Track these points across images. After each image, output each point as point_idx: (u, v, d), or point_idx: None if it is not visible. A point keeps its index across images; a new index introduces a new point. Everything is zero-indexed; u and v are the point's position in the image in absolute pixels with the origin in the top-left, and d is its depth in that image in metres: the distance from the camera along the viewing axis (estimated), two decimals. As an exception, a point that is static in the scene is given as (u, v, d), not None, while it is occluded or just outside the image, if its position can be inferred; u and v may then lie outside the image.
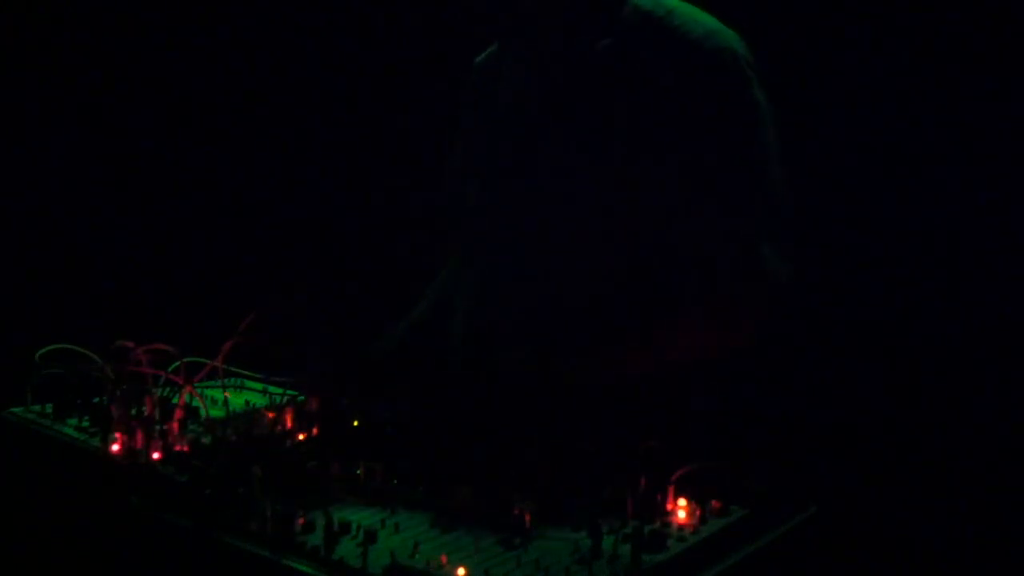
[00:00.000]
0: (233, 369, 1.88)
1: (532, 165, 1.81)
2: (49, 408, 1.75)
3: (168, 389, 1.72)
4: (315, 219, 2.81)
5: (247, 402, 1.83)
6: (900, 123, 2.11)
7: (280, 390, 1.81)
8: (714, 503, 1.31)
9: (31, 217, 2.57)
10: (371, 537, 1.21)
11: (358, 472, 1.39)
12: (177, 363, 1.72)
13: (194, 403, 1.68)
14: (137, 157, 2.77)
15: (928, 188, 2.03)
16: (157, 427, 1.59)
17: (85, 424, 1.69)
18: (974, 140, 2.03)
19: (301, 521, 1.24)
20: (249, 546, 1.22)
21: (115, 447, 1.55)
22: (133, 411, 1.64)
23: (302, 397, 1.67)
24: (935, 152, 2.04)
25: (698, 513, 1.29)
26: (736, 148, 1.68)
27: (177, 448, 1.55)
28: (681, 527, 1.27)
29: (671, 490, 1.30)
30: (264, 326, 1.73)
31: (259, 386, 1.92)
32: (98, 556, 1.46)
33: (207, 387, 1.84)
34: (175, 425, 1.62)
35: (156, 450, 1.54)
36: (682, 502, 1.30)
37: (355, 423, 1.65)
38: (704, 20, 1.73)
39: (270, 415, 1.66)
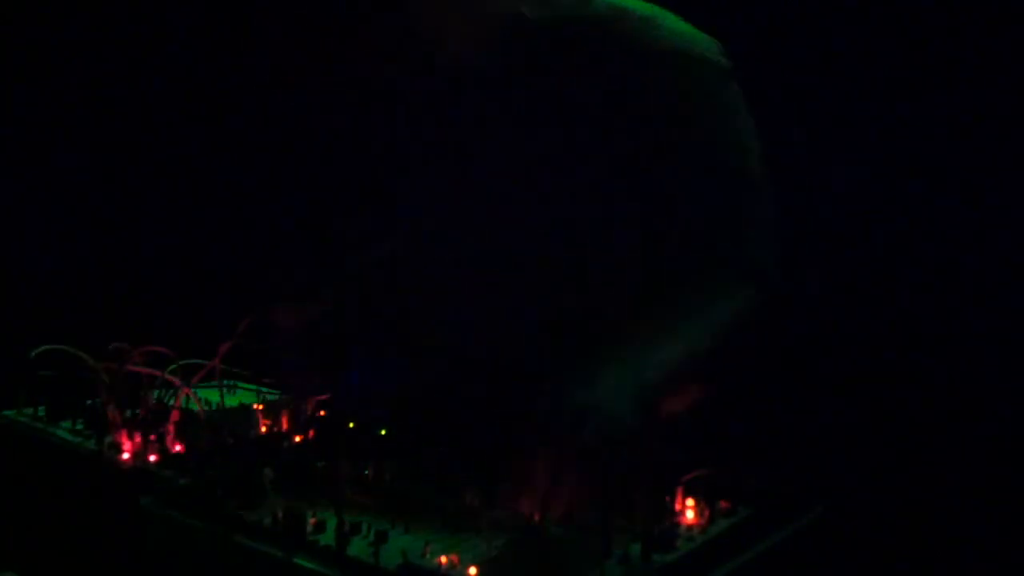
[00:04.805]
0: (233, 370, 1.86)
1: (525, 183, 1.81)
2: (42, 411, 1.73)
3: (165, 391, 1.70)
4: (313, 219, 2.80)
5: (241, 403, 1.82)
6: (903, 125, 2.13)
7: (275, 392, 1.80)
8: (722, 503, 1.32)
9: (25, 217, 2.54)
10: (382, 537, 1.21)
11: (366, 473, 1.39)
12: (174, 365, 1.70)
13: (191, 405, 1.66)
14: (133, 157, 2.75)
15: (925, 187, 2.05)
16: (153, 429, 1.58)
17: (79, 427, 1.67)
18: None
19: (313, 521, 1.23)
20: (261, 545, 1.21)
21: (113, 450, 1.54)
22: (128, 413, 1.63)
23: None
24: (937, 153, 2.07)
25: (707, 513, 1.30)
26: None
27: (174, 451, 1.54)
28: (690, 527, 1.28)
29: (680, 491, 1.31)
30: (260, 329, 1.72)
31: (253, 387, 1.91)
32: (101, 558, 1.45)
33: (203, 388, 1.82)
34: (171, 427, 1.60)
35: (153, 452, 1.53)
36: (691, 503, 1.31)
37: (351, 425, 1.64)
38: (680, 26, 1.75)
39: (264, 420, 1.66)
